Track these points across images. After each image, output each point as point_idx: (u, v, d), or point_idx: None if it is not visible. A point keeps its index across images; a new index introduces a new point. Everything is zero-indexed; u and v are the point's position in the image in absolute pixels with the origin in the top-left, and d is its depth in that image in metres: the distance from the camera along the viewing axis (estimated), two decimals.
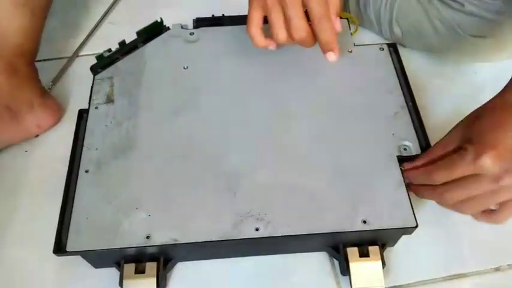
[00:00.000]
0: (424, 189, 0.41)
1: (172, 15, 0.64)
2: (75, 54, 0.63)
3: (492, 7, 0.51)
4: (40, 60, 0.59)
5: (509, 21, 0.52)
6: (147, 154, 0.44)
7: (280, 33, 0.42)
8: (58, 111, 0.55)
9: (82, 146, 0.44)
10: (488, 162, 0.34)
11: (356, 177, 0.42)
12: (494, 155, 0.34)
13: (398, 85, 0.49)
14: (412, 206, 0.41)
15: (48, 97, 0.55)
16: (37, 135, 0.54)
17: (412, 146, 0.44)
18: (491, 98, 0.39)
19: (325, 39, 0.42)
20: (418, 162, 0.42)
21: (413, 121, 0.46)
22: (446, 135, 0.41)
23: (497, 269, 0.45)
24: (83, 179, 0.42)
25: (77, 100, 0.58)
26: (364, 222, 0.40)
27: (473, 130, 0.37)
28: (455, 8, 0.53)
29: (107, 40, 0.64)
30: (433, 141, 0.44)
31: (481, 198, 0.37)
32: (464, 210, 0.39)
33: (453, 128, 0.40)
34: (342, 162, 0.43)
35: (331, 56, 0.43)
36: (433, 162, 0.40)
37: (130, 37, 0.53)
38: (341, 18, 0.54)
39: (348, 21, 0.55)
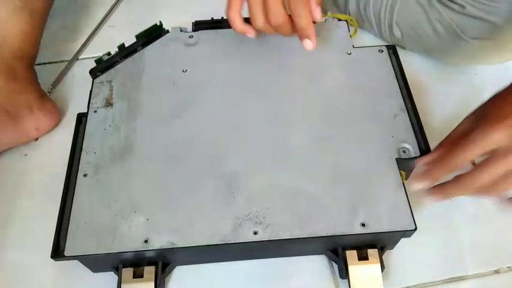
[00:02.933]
0: (447, 186, 0.37)
1: (171, 18, 0.64)
2: (75, 57, 0.63)
3: (494, 10, 0.51)
4: (40, 64, 0.59)
5: (510, 24, 0.51)
6: (145, 158, 0.44)
7: (258, 18, 0.42)
8: (57, 114, 0.55)
9: (81, 149, 0.44)
10: (497, 133, 0.33)
11: (355, 179, 0.42)
12: (504, 127, 0.33)
13: (398, 87, 0.49)
14: (411, 208, 0.41)
15: (47, 100, 0.55)
16: (36, 139, 0.55)
17: (412, 149, 0.44)
18: None
19: (300, 25, 0.42)
20: (433, 155, 0.40)
21: (412, 123, 0.46)
22: (455, 128, 0.40)
23: (496, 272, 0.44)
24: (81, 183, 0.42)
25: (77, 103, 0.58)
26: (363, 225, 0.40)
27: (484, 109, 0.36)
28: (456, 10, 0.53)
29: (106, 43, 0.64)
30: (432, 144, 0.44)
31: (502, 179, 0.34)
32: (489, 194, 0.36)
33: (462, 120, 0.39)
34: (341, 165, 0.43)
35: (307, 43, 0.43)
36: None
37: (130, 40, 0.53)
38: (340, 20, 0.55)
39: (347, 23, 0.55)
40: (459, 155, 0.36)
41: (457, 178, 0.36)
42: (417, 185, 0.38)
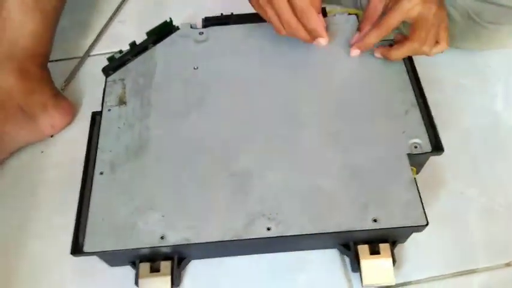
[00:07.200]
0: (395, 49, 0.48)
1: (180, 12, 0.64)
2: (87, 54, 0.64)
3: None
4: (52, 61, 0.60)
5: None
6: (160, 155, 0.45)
7: (277, 28, 0.48)
8: (71, 111, 0.56)
9: (96, 148, 0.45)
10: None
11: (367, 175, 0.43)
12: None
13: (409, 82, 0.49)
14: (422, 204, 0.41)
15: (61, 98, 0.56)
16: (52, 136, 0.56)
17: (423, 144, 0.44)
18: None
19: (310, 28, 0.47)
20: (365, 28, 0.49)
21: (424, 118, 0.46)
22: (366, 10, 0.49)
23: (508, 265, 0.45)
24: (98, 181, 0.43)
25: (90, 100, 0.59)
26: (375, 220, 0.40)
27: None
28: None
29: (117, 39, 0.65)
30: (443, 138, 0.44)
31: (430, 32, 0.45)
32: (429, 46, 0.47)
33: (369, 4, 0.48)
34: (353, 161, 0.43)
35: (320, 42, 0.50)
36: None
37: (140, 35, 0.53)
38: (349, 14, 0.55)
39: (357, 17, 0.54)
40: (386, 24, 0.46)
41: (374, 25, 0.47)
42: (355, 52, 0.50)
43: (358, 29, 0.51)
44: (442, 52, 0.48)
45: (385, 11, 0.47)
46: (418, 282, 0.44)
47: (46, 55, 0.54)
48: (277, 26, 0.48)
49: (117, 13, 0.69)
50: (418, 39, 0.46)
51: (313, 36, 0.49)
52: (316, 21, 0.47)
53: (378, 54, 0.50)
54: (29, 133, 0.53)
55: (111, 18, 0.68)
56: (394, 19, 0.45)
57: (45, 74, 0.54)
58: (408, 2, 0.44)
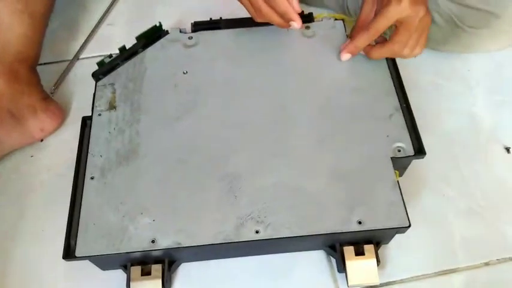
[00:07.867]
0: (377, 49, 0.49)
1: (169, 17, 0.65)
2: (76, 57, 0.64)
3: (494, 1, 0.52)
4: (41, 64, 0.60)
5: (507, 12, 0.53)
6: (150, 160, 0.45)
7: (253, 15, 0.49)
8: (60, 114, 0.57)
9: (87, 153, 0.46)
10: (397, 6, 0.44)
11: (352, 178, 0.44)
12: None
13: (393, 87, 0.50)
14: (405, 206, 0.42)
15: (50, 101, 0.56)
16: (42, 140, 0.56)
17: (406, 147, 0.46)
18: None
19: (281, 11, 0.48)
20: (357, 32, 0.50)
21: (407, 123, 0.47)
22: (359, 16, 0.50)
23: (486, 264, 0.47)
24: (88, 186, 0.44)
25: (80, 103, 0.59)
26: (360, 222, 0.42)
27: None
28: (455, 1, 0.54)
29: (106, 42, 0.65)
30: (425, 140, 0.46)
31: (414, 35, 0.47)
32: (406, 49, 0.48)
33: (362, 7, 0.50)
34: (338, 164, 0.45)
35: (293, 25, 0.49)
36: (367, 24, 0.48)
37: (129, 38, 0.53)
38: (336, 19, 0.56)
39: (344, 22, 0.56)
40: (374, 27, 0.47)
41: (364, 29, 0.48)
42: (346, 56, 0.51)
43: (350, 37, 0.52)
44: (415, 56, 0.50)
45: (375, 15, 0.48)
46: (401, 281, 0.46)
47: (35, 58, 0.54)
48: (252, 13, 0.49)
49: (106, 16, 0.69)
50: (400, 42, 0.47)
51: (286, 20, 0.49)
52: (284, 5, 0.47)
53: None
54: (18, 137, 0.54)
55: (100, 21, 0.68)
56: (382, 24, 0.46)
57: (34, 77, 0.55)
58: (395, 8, 0.44)
